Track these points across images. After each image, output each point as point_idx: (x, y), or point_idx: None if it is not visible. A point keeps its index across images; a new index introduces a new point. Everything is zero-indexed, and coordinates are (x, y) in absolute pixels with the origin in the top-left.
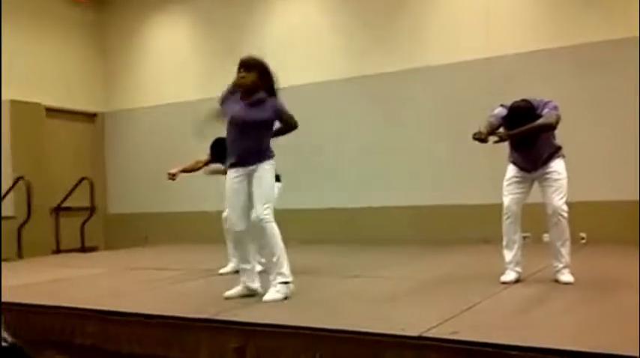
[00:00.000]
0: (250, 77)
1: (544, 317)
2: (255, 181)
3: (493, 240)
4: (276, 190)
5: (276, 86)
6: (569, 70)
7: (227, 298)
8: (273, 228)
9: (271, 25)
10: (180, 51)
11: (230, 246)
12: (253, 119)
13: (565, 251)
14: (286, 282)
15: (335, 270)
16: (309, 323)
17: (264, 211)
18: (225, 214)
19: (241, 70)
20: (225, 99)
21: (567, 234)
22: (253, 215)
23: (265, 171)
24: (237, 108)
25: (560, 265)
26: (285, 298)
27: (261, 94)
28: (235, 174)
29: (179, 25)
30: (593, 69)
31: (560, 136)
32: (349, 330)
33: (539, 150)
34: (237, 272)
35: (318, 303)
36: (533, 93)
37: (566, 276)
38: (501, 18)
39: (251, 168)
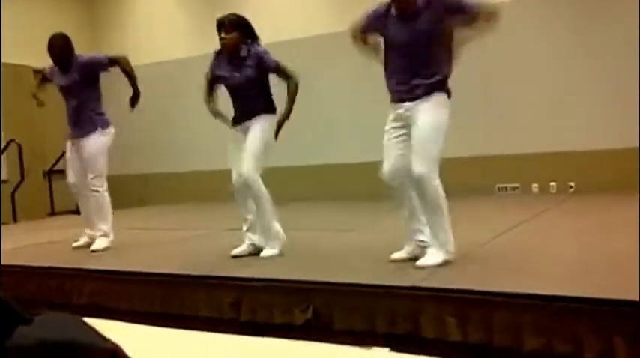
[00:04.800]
0: (231, 37)
1: (538, 265)
2: (247, 137)
3: (481, 189)
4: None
5: (258, 36)
6: (563, 15)
7: (234, 256)
8: (259, 186)
9: None
10: (168, 8)
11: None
12: (239, 81)
13: (438, 228)
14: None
15: (328, 226)
16: (302, 277)
17: (248, 168)
18: None
19: (221, 31)
20: (213, 67)
21: (437, 205)
22: (240, 170)
23: (257, 127)
24: (224, 71)
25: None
26: (280, 253)
27: (244, 50)
28: (234, 132)
29: None
30: (586, 14)
31: (553, 82)
32: (341, 283)
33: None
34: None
35: (311, 258)
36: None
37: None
38: None
39: (246, 124)
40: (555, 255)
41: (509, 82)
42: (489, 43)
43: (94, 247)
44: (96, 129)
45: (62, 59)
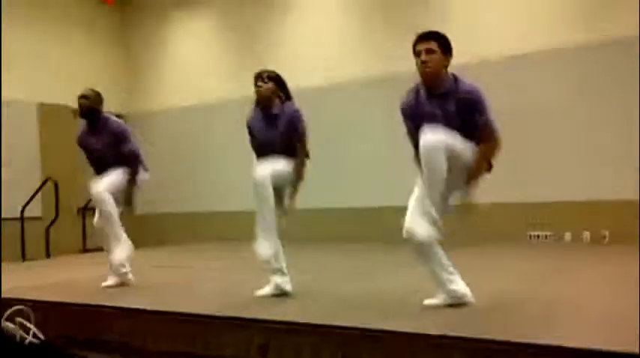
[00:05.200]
0: (267, 86)
1: (567, 316)
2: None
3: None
4: None
5: (291, 94)
6: (595, 64)
7: (258, 297)
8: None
9: (294, 23)
10: (201, 53)
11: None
12: (266, 138)
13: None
14: (283, 277)
15: (351, 269)
16: (329, 321)
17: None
18: None
19: (257, 81)
20: (249, 120)
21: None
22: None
23: (282, 165)
24: (258, 126)
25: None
26: (286, 293)
27: (277, 108)
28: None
29: (200, 28)
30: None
31: (588, 129)
32: (371, 328)
33: None
34: None
35: (339, 300)
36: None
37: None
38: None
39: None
40: (586, 306)
41: (543, 129)
42: (523, 91)
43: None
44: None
45: (91, 112)
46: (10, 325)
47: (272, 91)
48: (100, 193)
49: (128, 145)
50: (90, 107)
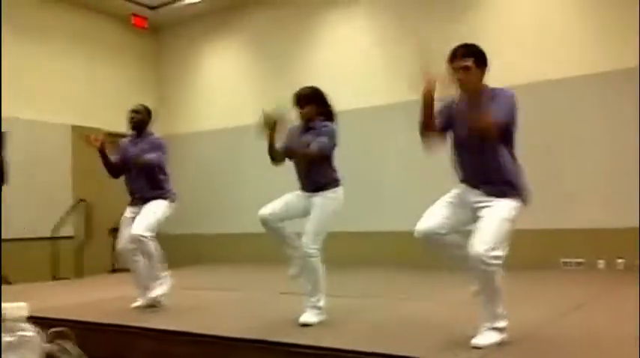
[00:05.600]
0: (306, 109)
1: (600, 348)
2: (312, 210)
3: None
4: None
5: (334, 111)
6: (628, 90)
7: (302, 325)
8: (315, 262)
9: (321, 51)
10: (232, 77)
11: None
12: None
13: (491, 308)
14: (319, 308)
15: (383, 293)
16: (356, 347)
17: (309, 244)
18: None
19: (297, 105)
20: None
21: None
22: (302, 241)
23: (320, 203)
24: (293, 139)
25: (485, 324)
26: (319, 322)
27: (316, 122)
28: (297, 193)
29: (231, 53)
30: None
31: (623, 156)
32: (401, 355)
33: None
34: None
35: (367, 326)
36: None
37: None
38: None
39: (310, 195)
40: (619, 337)
41: (578, 155)
42: (557, 118)
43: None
44: (161, 198)
45: (140, 126)
46: (51, 346)
47: (311, 113)
48: (139, 236)
49: (154, 155)
50: (140, 121)
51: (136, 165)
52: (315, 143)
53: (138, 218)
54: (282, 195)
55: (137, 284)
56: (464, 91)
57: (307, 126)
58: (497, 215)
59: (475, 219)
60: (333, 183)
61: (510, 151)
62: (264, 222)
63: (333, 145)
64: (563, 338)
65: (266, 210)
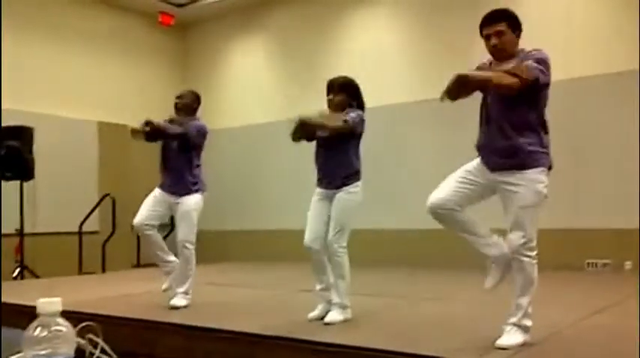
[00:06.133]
0: (338, 98)
1: (627, 353)
2: (333, 206)
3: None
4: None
5: (364, 101)
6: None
7: (310, 320)
8: (341, 258)
9: (344, 48)
10: (259, 75)
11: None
12: (324, 136)
13: (522, 302)
14: (345, 307)
15: (405, 293)
16: (381, 346)
17: (334, 238)
18: None
19: (329, 93)
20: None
21: (530, 280)
22: (327, 240)
23: (342, 199)
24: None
25: (511, 319)
26: (345, 320)
27: (347, 110)
28: (318, 191)
29: (257, 50)
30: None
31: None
32: (425, 355)
33: (500, 131)
34: None
35: (391, 325)
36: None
37: (506, 338)
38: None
39: (331, 192)
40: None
41: (602, 154)
42: (582, 116)
43: (173, 303)
44: (191, 191)
45: (185, 112)
46: (81, 340)
47: (343, 103)
48: (184, 244)
49: (194, 131)
50: (184, 105)
51: (173, 136)
52: (346, 116)
53: (180, 221)
54: (308, 192)
55: (158, 259)
56: (498, 59)
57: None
58: (523, 202)
59: (491, 194)
60: (355, 175)
61: (540, 113)
62: (312, 247)
63: (361, 131)
64: (587, 341)
65: (311, 240)
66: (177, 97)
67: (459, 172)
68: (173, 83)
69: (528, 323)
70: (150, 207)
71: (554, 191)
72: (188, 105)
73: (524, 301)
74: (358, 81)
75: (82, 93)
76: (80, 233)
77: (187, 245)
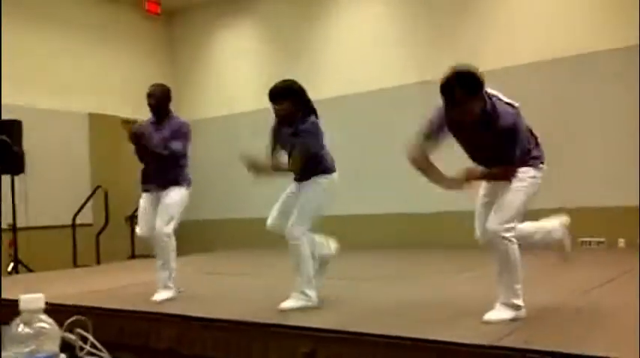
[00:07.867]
0: (284, 107)
1: (619, 329)
2: (300, 196)
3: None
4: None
5: (312, 104)
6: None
7: (282, 310)
8: (297, 247)
9: (334, 34)
10: (246, 63)
11: None
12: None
13: (509, 282)
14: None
15: (398, 275)
16: (377, 331)
17: (290, 227)
18: None
19: (274, 103)
20: (273, 134)
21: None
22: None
23: (309, 190)
24: (281, 136)
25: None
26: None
27: (297, 122)
28: (290, 188)
29: (245, 36)
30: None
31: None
32: (423, 338)
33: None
34: None
35: (385, 310)
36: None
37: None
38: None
39: (300, 184)
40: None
41: (596, 132)
42: (574, 95)
43: (155, 297)
44: (179, 184)
45: (158, 110)
46: (69, 335)
47: (289, 111)
48: (164, 235)
49: (179, 144)
50: (155, 106)
51: (161, 155)
52: (297, 152)
53: (160, 211)
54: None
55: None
56: (460, 119)
57: (293, 129)
58: (510, 189)
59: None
60: (325, 171)
61: (523, 143)
62: (273, 231)
63: (318, 141)
64: (582, 318)
65: (271, 221)
66: (148, 96)
67: (478, 199)
68: (161, 71)
69: (518, 301)
70: (148, 215)
71: (546, 170)
72: (161, 102)
73: (513, 283)
74: (348, 65)
75: (70, 85)
76: (74, 226)
77: (164, 237)
